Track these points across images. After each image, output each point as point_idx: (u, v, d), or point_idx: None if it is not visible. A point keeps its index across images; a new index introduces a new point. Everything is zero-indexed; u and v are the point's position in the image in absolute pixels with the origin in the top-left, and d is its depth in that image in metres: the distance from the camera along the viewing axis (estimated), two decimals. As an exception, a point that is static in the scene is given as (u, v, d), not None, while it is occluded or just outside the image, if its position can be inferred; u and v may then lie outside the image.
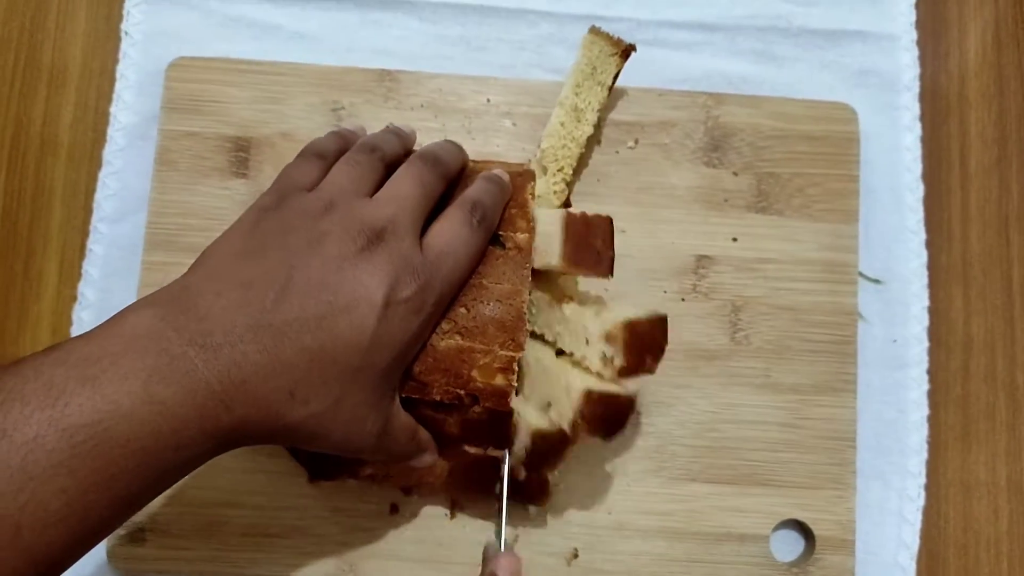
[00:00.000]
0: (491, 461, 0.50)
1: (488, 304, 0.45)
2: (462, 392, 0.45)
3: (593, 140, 0.57)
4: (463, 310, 0.45)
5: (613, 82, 0.56)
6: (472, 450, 0.48)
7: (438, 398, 0.45)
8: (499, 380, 0.44)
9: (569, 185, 0.56)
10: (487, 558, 0.50)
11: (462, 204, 0.45)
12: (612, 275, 0.48)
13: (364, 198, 0.43)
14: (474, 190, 0.47)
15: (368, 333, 0.39)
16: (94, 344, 0.35)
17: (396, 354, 0.41)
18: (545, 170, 0.56)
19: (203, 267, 0.40)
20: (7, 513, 0.32)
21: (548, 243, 0.48)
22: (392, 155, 0.47)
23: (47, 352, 0.35)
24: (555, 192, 0.56)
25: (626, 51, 0.55)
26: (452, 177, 0.48)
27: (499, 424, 0.46)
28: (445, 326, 0.45)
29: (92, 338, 0.36)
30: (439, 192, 0.46)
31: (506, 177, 0.49)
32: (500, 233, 0.47)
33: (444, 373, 0.44)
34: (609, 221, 0.49)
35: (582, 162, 0.57)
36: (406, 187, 0.44)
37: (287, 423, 0.39)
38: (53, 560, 0.34)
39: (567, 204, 0.56)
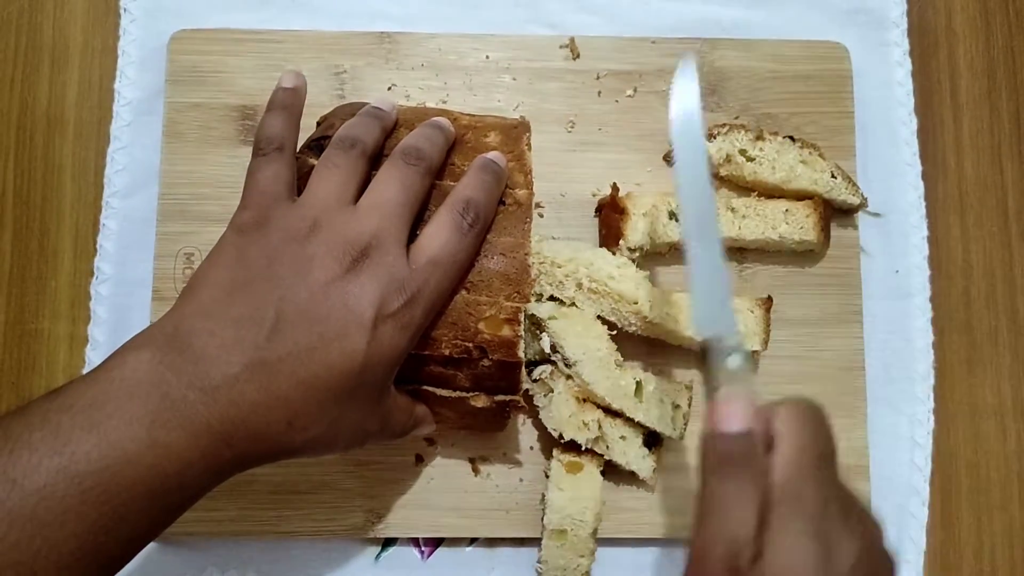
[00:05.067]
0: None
1: (492, 258, 0.46)
2: (470, 345, 0.45)
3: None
4: None
5: None
6: (479, 403, 0.48)
7: (447, 352, 0.45)
8: (506, 331, 0.45)
9: None
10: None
11: (454, 204, 0.44)
12: None
13: (348, 208, 0.43)
14: (467, 185, 0.45)
15: (359, 358, 0.40)
16: (97, 388, 0.36)
17: (388, 368, 0.42)
18: None
19: (193, 301, 0.40)
20: (22, 560, 0.33)
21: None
22: (373, 145, 0.46)
23: (52, 396, 0.36)
24: None
25: None
26: (437, 168, 0.46)
27: (508, 373, 0.46)
28: None
29: (94, 381, 0.37)
30: (425, 190, 0.45)
31: (503, 162, 0.47)
32: None
33: (451, 327, 0.45)
34: None
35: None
36: (388, 192, 0.43)
37: (288, 449, 0.40)
38: None
39: None
